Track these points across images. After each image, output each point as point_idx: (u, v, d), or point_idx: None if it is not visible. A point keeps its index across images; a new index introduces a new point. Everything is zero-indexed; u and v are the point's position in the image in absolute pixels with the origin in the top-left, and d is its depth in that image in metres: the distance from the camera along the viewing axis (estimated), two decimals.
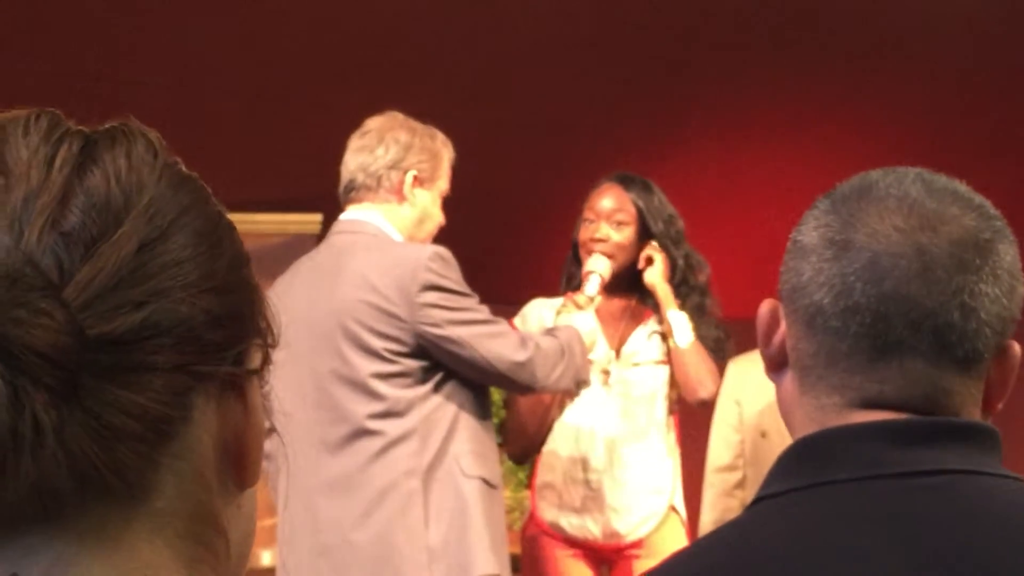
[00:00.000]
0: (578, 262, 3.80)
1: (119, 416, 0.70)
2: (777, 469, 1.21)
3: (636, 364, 3.80)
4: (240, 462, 0.78)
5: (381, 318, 3.15)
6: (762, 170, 5.57)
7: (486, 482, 3.22)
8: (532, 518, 3.85)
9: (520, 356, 3.23)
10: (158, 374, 0.71)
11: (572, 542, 3.77)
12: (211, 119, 5.04)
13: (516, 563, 3.63)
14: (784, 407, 1.28)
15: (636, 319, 3.85)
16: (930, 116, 5.38)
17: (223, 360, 0.75)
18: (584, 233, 3.79)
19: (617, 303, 3.85)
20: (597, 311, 3.71)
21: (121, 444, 0.70)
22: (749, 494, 4.19)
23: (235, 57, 4.99)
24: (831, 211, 1.23)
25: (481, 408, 3.28)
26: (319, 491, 3.20)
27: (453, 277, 3.20)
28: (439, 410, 3.20)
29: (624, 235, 3.78)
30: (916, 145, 4.81)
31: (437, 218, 3.38)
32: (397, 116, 3.39)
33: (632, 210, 3.79)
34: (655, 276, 3.78)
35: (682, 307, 3.79)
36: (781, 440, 4.13)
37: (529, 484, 3.97)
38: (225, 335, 0.75)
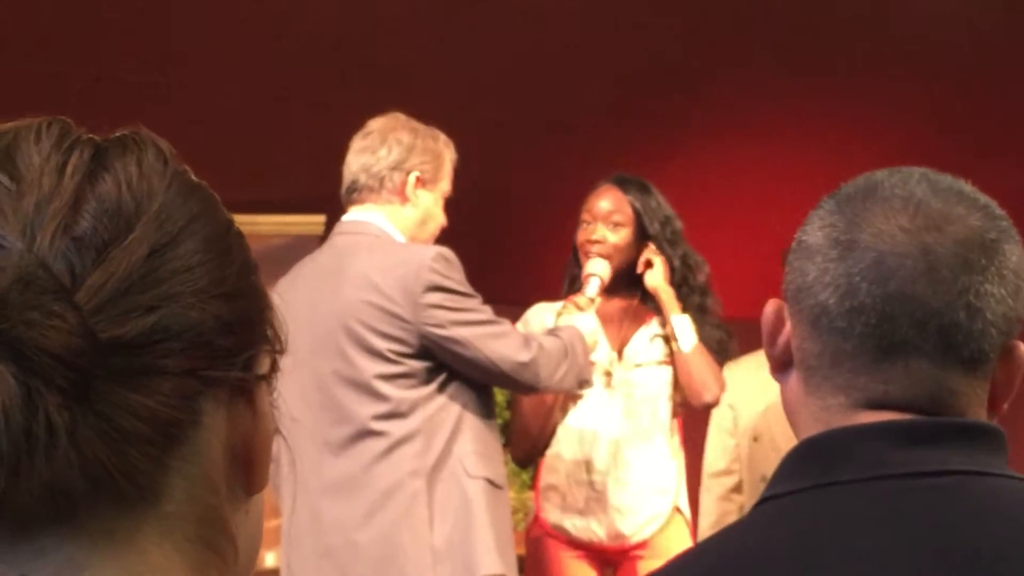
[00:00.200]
0: (579, 265, 3.81)
1: (129, 419, 0.70)
2: (782, 470, 1.21)
3: (638, 365, 3.81)
4: (248, 467, 0.79)
5: (385, 319, 3.15)
6: (763, 171, 5.56)
7: (491, 482, 3.22)
8: (536, 520, 3.85)
9: (524, 356, 3.24)
10: (168, 378, 0.72)
11: (576, 544, 3.77)
12: (213, 120, 5.04)
13: (520, 564, 3.63)
14: (789, 407, 1.28)
15: (637, 320, 3.85)
16: (931, 116, 5.38)
17: (232, 365, 0.75)
18: (582, 235, 3.80)
19: (618, 304, 3.85)
20: (598, 313, 3.71)
21: (131, 447, 0.71)
22: (746, 498, 4.21)
23: (237, 58, 4.99)
24: (836, 211, 1.22)
25: (485, 408, 3.28)
26: (323, 492, 3.20)
27: (456, 278, 3.20)
28: (443, 411, 3.20)
29: (620, 236, 3.78)
30: (917, 145, 4.81)
31: (439, 219, 3.39)
32: (399, 117, 3.39)
33: (629, 212, 3.80)
34: (656, 279, 3.78)
35: (684, 308, 3.79)
36: (772, 445, 4.15)
37: (533, 485, 3.97)
38: (234, 340, 0.75)
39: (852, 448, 1.18)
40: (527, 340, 3.30)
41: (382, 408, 3.16)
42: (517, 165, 5.38)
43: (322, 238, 4.12)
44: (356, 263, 3.22)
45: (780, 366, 1.27)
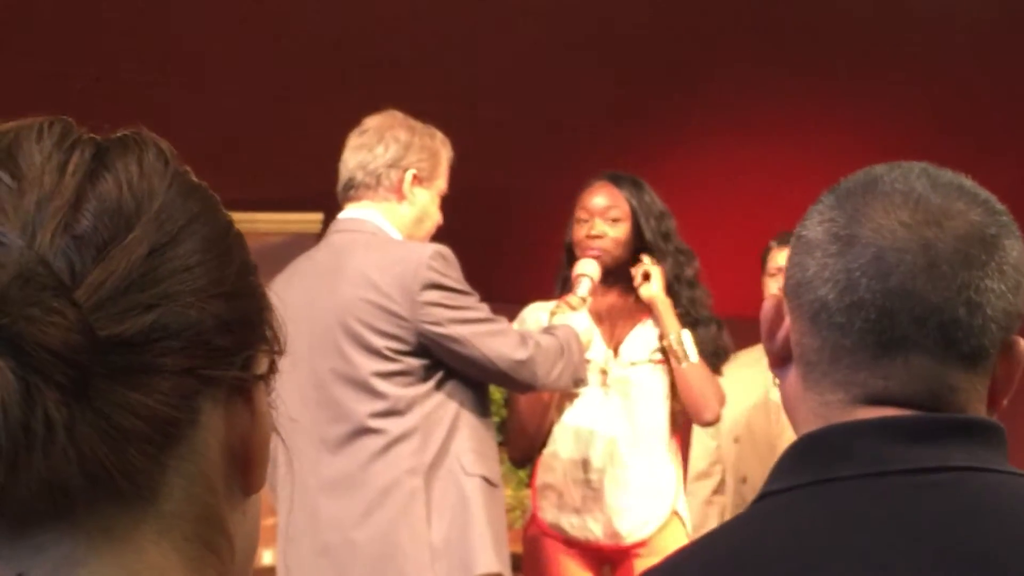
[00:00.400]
0: (571, 266, 3.80)
1: (128, 417, 0.71)
2: (781, 465, 1.21)
3: (634, 363, 3.81)
4: (246, 467, 0.79)
5: (382, 316, 3.15)
6: (762, 170, 5.57)
7: (487, 480, 3.23)
8: (533, 519, 3.85)
9: (521, 354, 3.24)
10: (166, 377, 0.72)
11: (573, 543, 3.77)
12: (211, 118, 5.04)
13: (516, 562, 3.63)
14: (788, 403, 1.27)
15: (633, 318, 3.85)
16: (930, 116, 5.39)
17: (231, 365, 0.76)
18: (579, 232, 3.79)
19: (613, 303, 3.85)
20: (593, 311, 3.71)
21: (130, 445, 0.71)
22: (727, 499, 4.22)
23: (237, 57, 4.99)
24: (836, 206, 1.22)
25: (481, 406, 3.29)
26: (320, 490, 3.20)
27: (454, 276, 3.20)
28: (440, 408, 3.20)
29: (620, 231, 3.78)
30: (917, 145, 4.81)
31: (435, 217, 3.39)
32: (396, 115, 3.39)
33: (625, 207, 3.80)
34: (655, 291, 3.78)
35: (676, 303, 3.79)
36: (752, 445, 4.17)
37: (530, 483, 3.97)
38: (233, 340, 0.76)
39: (851, 444, 1.17)
40: (524, 338, 3.30)
41: (380, 406, 3.17)
42: (516, 164, 5.39)
43: (320, 236, 4.12)
44: (353, 261, 3.22)
45: (779, 361, 1.27)
